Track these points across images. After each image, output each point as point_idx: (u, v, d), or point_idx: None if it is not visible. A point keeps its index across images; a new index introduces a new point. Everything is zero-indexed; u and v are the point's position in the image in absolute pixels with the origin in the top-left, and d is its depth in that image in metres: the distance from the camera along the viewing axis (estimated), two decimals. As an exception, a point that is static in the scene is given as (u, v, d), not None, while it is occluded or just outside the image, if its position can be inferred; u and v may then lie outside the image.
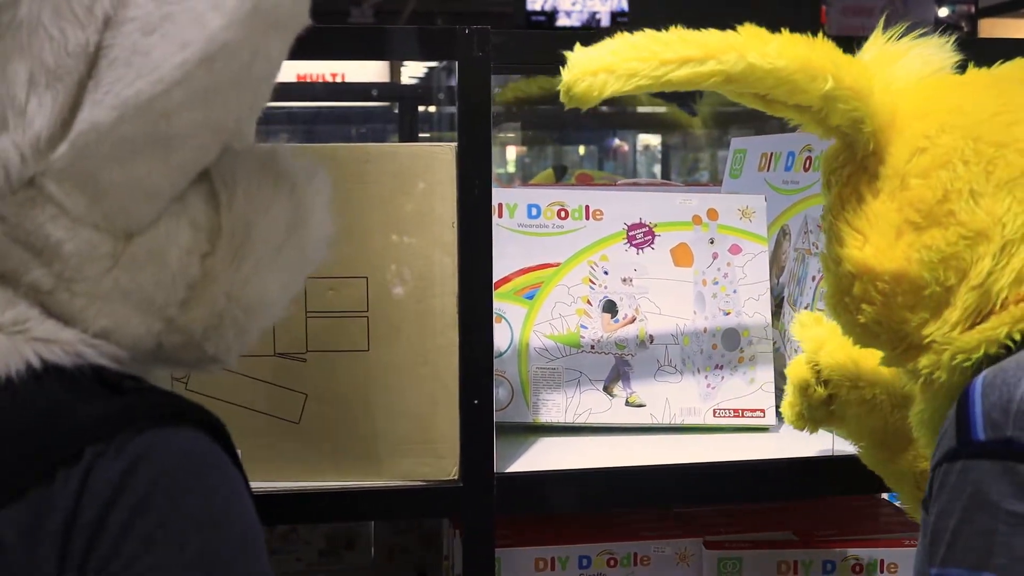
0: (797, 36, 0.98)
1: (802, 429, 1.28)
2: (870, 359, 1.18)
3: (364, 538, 1.85)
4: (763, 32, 0.97)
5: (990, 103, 0.99)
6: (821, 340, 1.23)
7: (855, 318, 1.00)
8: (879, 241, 0.97)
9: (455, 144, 1.26)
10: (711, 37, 0.97)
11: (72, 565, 0.69)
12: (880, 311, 0.98)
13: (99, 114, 0.71)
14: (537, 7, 10.60)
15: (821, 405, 1.24)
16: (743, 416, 1.53)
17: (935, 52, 1.05)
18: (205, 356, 0.81)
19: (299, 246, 0.82)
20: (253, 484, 1.26)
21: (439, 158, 1.27)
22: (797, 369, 1.26)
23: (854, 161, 1.01)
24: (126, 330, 0.77)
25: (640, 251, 1.56)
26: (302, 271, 0.84)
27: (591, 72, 0.97)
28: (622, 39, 0.99)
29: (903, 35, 1.05)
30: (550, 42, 1.37)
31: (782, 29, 0.99)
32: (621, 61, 0.97)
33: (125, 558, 0.69)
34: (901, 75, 1.03)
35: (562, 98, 0.99)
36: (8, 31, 0.71)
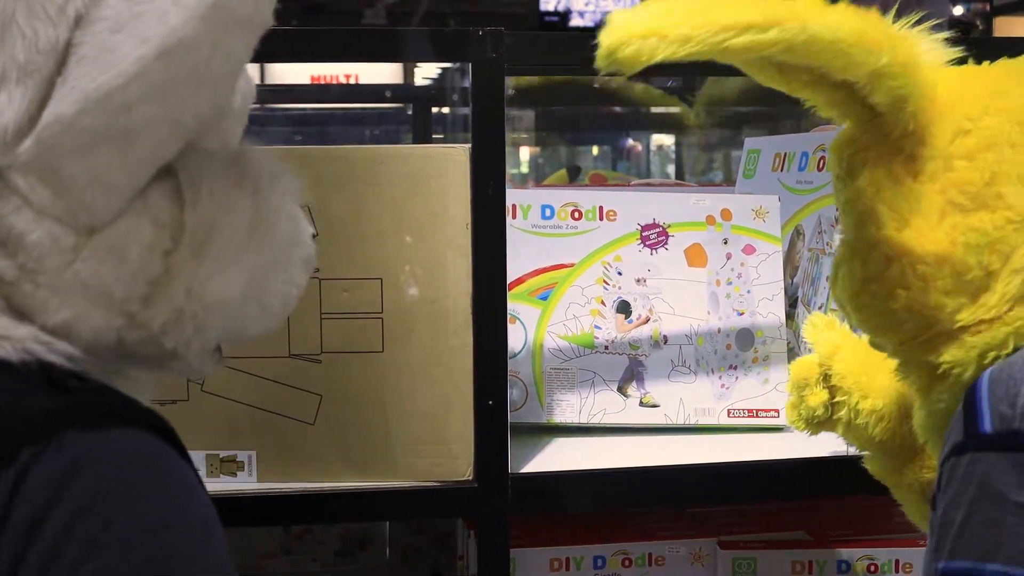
0: (852, 8, 0.93)
1: (802, 430, 1.28)
2: (883, 369, 1.17)
3: (379, 539, 1.85)
4: (821, 1, 0.92)
5: None
6: (836, 345, 1.22)
7: (885, 304, 0.97)
8: (920, 223, 0.95)
9: (469, 145, 1.27)
10: (771, 4, 0.90)
11: (2, 564, 0.68)
12: (915, 296, 0.95)
13: (62, 107, 0.73)
14: (550, 7, 10.60)
15: (820, 407, 1.23)
16: (757, 416, 1.53)
17: (944, 45, 1.04)
18: (165, 352, 0.80)
19: (263, 246, 0.83)
20: (267, 485, 1.27)
21: (453, 159, 1.27)
22: (799, 369, 1.25)
23: (884, 143, 0.98)
24: (86, 323, 0.77)
25: (654, 251, 1.57)
26: (270, 271, 0.85)
27: (639, 35, 0.88)
28: (669, 1, 0.91)
29: (915, 26, 1.03)
30: (563, 43, 1.38)
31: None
32: (674, 24, 0.89)
33: (67, 562, 0.68)
34: (932, 59, 1.01)
35: (601, 62, 0.89)
36: None
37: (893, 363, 1.15)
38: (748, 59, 0.94)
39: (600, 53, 0.89)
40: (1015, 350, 0.93)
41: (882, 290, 0.97)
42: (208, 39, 0.75)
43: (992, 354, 0.93)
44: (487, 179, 1.26)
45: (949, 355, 0.96)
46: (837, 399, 1.21)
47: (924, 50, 0.98)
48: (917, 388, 1.03)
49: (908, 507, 1.20)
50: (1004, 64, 1.04)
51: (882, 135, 0.98)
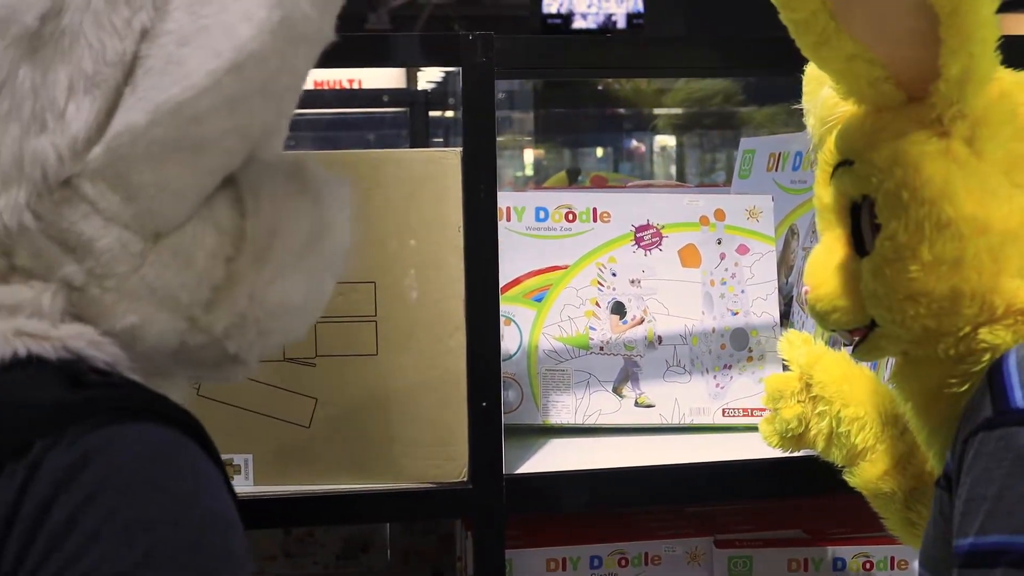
0: None
1: (775, 446, 1.26)
2: (863, 379, 1.18)
3: (380, 541, 1.86)
4: None
5: None
6: (817, 355, 1.21)
7: (954, 288, 0.95)
8: (994, 202, 0.95)
9: (460, 149, 1.27)
10: None
11: (9, 557, 0.68)
12: (987, 279, 0.94)
13: (134, 117, 0.75)
14: (553, 10, 10.61)
15: (794, 419, 1.21)
16: (752, 415, 1.54)
17: None
18: (227, 356, 0.82)
19: (320, 254, 0.85)
20: (263, 488, 1.28)
21: (445, 163, 1.28)
22: (775, 382, 1.23)
23: (918, 127, 0.97)
24: (152, 327, 0.79)
25: (648, 252, 1.57)
26: (324, 278, 0.87)
27: None
28: None
29: None
30: (554, 47, 1.39)
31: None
32: None
33: (68, 554, 0.67)
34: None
35: None
36: (51, 40, 0.75)
37: (871, 374, 1.16)
38: (817, 14, 0.92)
39: None
40: None
41: (952, 273, 0.95)
42: (276, 53, 0.77)
43: None
44: (479, 182, 1.27)
45: (993, 338, 0.95)
46: (819, 408, 1.19)
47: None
48: (930, 382, 1.02)
49: (889, 517, 1.19)
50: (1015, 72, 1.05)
51: (916, 120, 0.97)
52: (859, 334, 1.05)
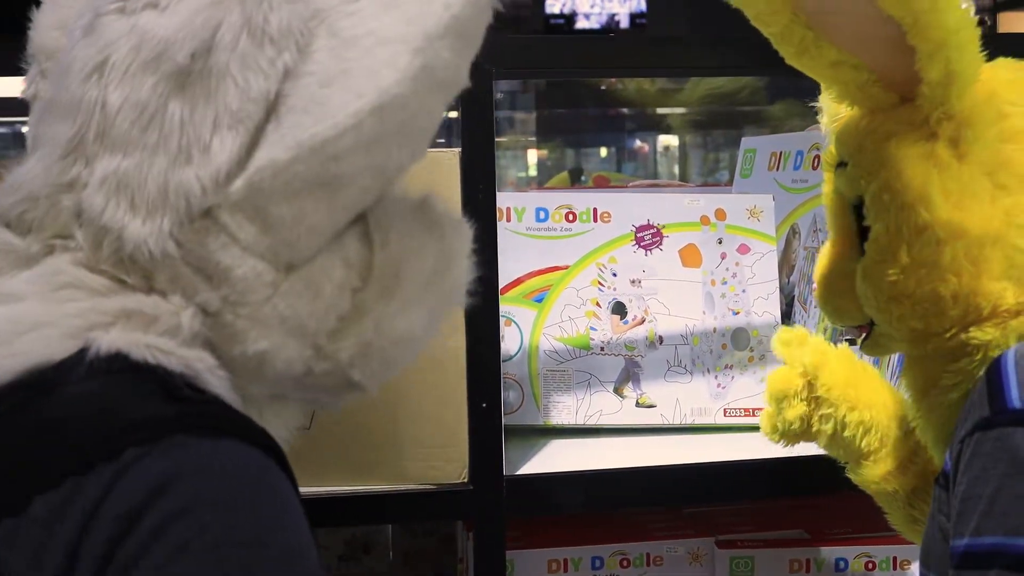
0: None
1: (776, 441, 1.25)
2: (867, 381, 1.17)
3: (382, 542, 1.86)
4: None
5: None
6: (822, 355, 1.20)
7: (933, 292, 0.95)
8: (974, 205, 0.95)
9: (459, 149, 1.27)
10: None
11: (92, 553, 0.69)
12: (966, 282, 0.95)
13: (276, 153, 0.79)
14: (556, 10, 10.60)
15: (797, 420, 1.20)
16: (754, 415, 1.54)
17: None
18: (350, 383, 0.86)
19: (442, 288, 0.89)
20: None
21: (443, 163, 1.27)
22: (779, 381, 1.21)
23: (908, 129, 0.98)
24: (280, 353, 0.82)
25: (648, 252, 1.57)
26: (443, 312, 0.90)
27: None
28: None
29: None
30: (553, 48, 1.39)
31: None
32: None
33: (155, 560, 0.69)
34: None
35: None
36: (200, 77, 0.79)
37: (873, 375, 1.15)
38: (792, 27, 0.93)
39: None
40: None
41: (930, 276, 0.96)
42: (416, 97, 0.80)
43: None
44: (477, 182, 1.26)
45: (983, 335, 0.95)
46: (824, 411, 1.19)
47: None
48: (926, 380, 1.02)
49: (893, 514, 1.19)
50: (1013, 62, 1.04)
51: (907, 122, 0.98)
52: (865, 330, 1.06)
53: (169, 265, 0.80)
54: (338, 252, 0.84)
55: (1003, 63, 1.04)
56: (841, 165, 1.04)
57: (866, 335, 1.07)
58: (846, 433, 1.17)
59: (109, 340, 0.78)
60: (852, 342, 1.33)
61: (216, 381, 0.80)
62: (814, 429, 1.20)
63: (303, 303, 0.82)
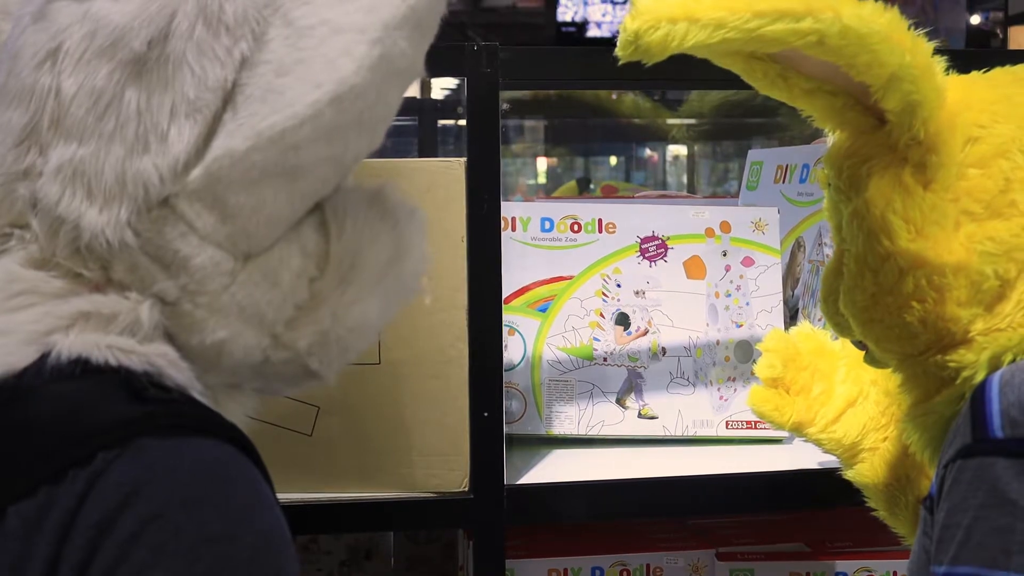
0: (879, 4, 0.90)
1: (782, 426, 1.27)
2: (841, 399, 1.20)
3: (384, 548, 1.86)
4: None
5: None
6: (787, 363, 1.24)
7: (899, 318, 0.95)
8: (936, 233, 0.93)
9: (465, 159, 1.28)
10: None
11: (69, 563, 0.70)
12: (931, 308, 0.94)
13: (234, 142, 0.78)
14: (568, 18, 10.59)
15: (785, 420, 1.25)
16: (756, 428, 1.54)
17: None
18: (307, 371, 0.86)
19: (398, 277, 0.89)
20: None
21: (449, 173, 1.28)
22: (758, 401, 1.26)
23: (886, 153, 0.96)
24: (238, 342, 0.83)
25: (653, 264, 1.57)
26: (399, 299, 0.91)
27: (668, 18, 0.84)
28: None
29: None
30: (559, 58, 1.39)
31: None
32: (706, 8, 0.84)
33: (134, 564, 0.70)
34: (941, 65, 0.98)
35: (625, 48, 0.85)
36: (156, 65, 0.79)
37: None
38: (803, 47, 0.89)
39: (624, 38, 0.84)
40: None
41: (896, 303, 0.95)
42: (374, 87, 0.81)
43: (1008, 356, 0.92)
44: (482, 192, 1.27)
45: (958, 356, 0.95)
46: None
47: (934, 56, 0.96)
48: (917, 401, 1.02)
49: (898, 525, 1.20)
50: (1006, 71, 1.03)
51: (884, 146, 0.97)
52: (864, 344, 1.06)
53: (127, 255, 0.80)
54: (296, 241, 0.84)
55: (984, 78, 1.02)
56: (830, 185, 1.04)
57: (867, 349, 1.07)
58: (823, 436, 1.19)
59: (69, 344, 0.78)
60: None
61: (180, 375, 0.80)
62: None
63: (261, 292, 0.82)
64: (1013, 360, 0.92)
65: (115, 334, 0.79)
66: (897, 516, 1.19)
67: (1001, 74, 1.03)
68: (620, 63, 0.86)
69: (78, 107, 0.79)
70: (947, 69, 0.99)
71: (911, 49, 0.90)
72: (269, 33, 0.80)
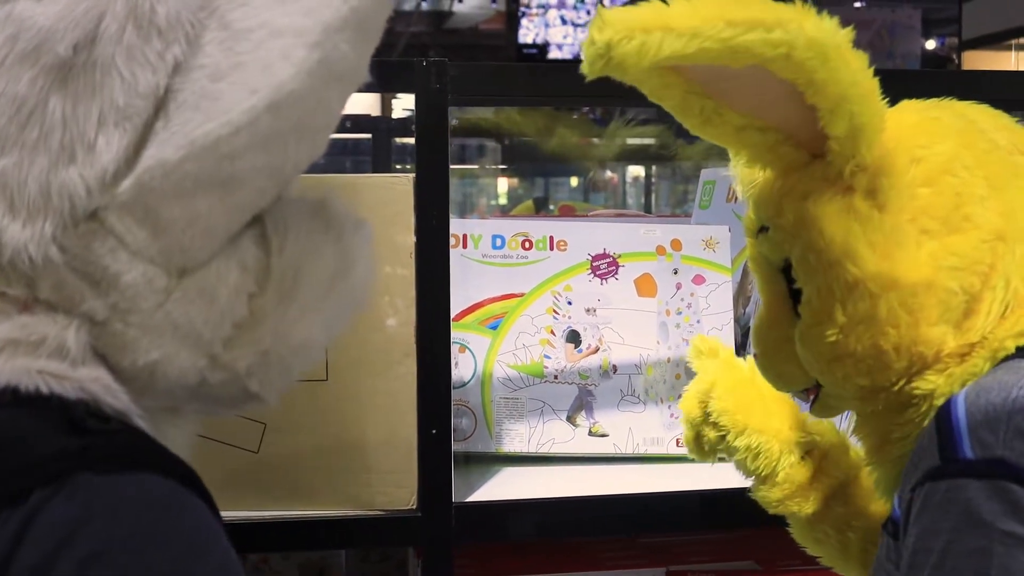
0: (836, 20, 0.88)
1: (693, 457, 1.23)
2: (760, 404, 1.15)
3: (336, 567, 1.84)
4: (811, 8, 0.87)
5: (955, 120, 1.00)
6: (712, 380, 1.18)
7: (875, 347, 0.94)
8: (900, 253, 0.93)
9: (413, 175, 1.27)
10: (771, 4, 0.85)
11: None
12: (905, 332, 0.93)
13: (166, 152, 0.74)
14: (529, 40, 10.66)
15: (690, 442, 1.20)
16: (706, 446, 1.54)
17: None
18: (247, 393, 0.82)
19: (343, 292, 0.85)
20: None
21: (397, 189, 1.28)
22: (688, 405, 1.20)
23: (823, 186, 0.95)
24: (173, 363, 0.78)
25: (604, 281, 1.57)
26: (345, 315, 0.87)
27: (642, 28, 0.81)
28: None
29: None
30: (509, 75, 1.39)
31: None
32: (679, 17, 0.82)
33: None
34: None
35: (592, 64, 0.82)
36: (82, 71, 0.74)
37: (770, 400, 1.15)
38: (770, 62, 0.87)
39: (593, 52, 0.81)
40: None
41: (869, 332, 0.94)
42: (313, 93, 0.77)
43: (971, 380, 0.92)
44: (431, 208, 1.27)
45: (928, 384, 0.94)
46: (715, 433, 1.17)
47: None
48: (878, 435, 1.01)
49: (796, 531, 1.17)
50: (920, 101, 1.04)
51: (821, 179, 0.96)
52: (812, 393, 1.04)
53: (52, 272, 0.75)
54: (234, 256, 0.80)
55: (906, 106, 1.03)
56: (763, 230, 1.02)
57: (814, 398, 1.05)
58: (736, 457, 1.16)
59: None
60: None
61: (116, 402, 0.76)
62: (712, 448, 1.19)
63: (197, 310, 0.78)
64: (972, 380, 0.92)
65: (44, 358, 0.75)
66: (798, 530, 1.18)
67: (919, 103, 1.04)
68: (587, 80, 0.84)
69: None
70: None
71: (860, 69, 0.90)
72: (204, 36, 0.76)
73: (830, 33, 0.87)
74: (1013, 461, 0.82)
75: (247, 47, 0.76)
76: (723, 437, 1.16)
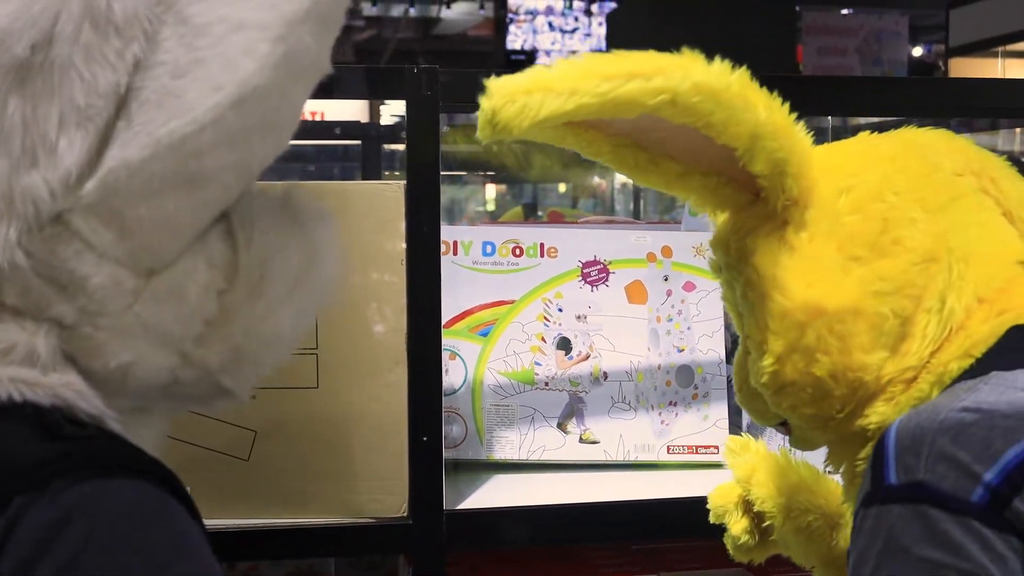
0: (728, 64, 0.91)
1: (743, 560, 1.22)
2: (800, 487, 1.16)
3: (326, 574, 1.84)
4: (700, 56, 0.90)
5: (894, 147, 1.01)
6: (752, 467, 1.18)
7: (810, 375, 0.94)
8: (826, 281, 0.94)
9: (404, 182, 1.27)
10: (653, 56, 0.89)
11: None
12: (837, 359, 0.93)
13: (130, 152, 0.73)
14: (517, 46, 10.69)
15: (743, 534, 1.19)
16: (697, 452, 1.54)
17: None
18: (219, 389, 0.81)
19: (311, 284, 0.85)
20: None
21: (387, 196, 1.27)
22: (717, 498, 1.21)
23: (767, 222, 0.97)
24: (145, 364, 0.78)
25: (594, 288, 1.57)
26: (314, 308, 0.86)
27: (524, 91, 0.85)
28: (555, 63, 0.88)
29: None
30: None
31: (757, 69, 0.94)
32: (558, 79, 0.86)
33: None
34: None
35: (482, 130, 0.86)
36: (40, 72, 0.73)
37: (808, 478, 1.14)
38: (657, 108, 0.89)
39: (482, 119, 0.85)
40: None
41: (803, 360, 0.95)
42: (278, 88, 0.77)
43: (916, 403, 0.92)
44: (421, 215, 1.26)
45: (877, 415, 0.94)
46: (766, 523, 1.17)
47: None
48: (844, 465, 1.01)
49: None
50: (852, 139, 1.05)
51: (763, 216, 0.98)
52: (788, 427, 1.05)
53: (18, 277, 0.74)
54: (201, 253, 0.79)
55: (837, 143, 1.05)
56: (720, 270, 1.04)
57: (789, 431, 1.05)
58: (791, 541, 1.15)
59: None
60: None
61: (90, 406, 0.76)
62: (772, 538, 1.18)
63: (167, 309, 0.77)
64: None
65: (15, 365, 0.74)
66: None
67: (850, 140, 1.05)
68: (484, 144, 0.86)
69: None
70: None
71: (767, 106, 0.92)
72: (163, 32, 0.75)
73: (718, 76, 0.89)
74: (933, 484, 0.81)
75: (207, 42, 0.75)
76: (765, 527, 1.16)
